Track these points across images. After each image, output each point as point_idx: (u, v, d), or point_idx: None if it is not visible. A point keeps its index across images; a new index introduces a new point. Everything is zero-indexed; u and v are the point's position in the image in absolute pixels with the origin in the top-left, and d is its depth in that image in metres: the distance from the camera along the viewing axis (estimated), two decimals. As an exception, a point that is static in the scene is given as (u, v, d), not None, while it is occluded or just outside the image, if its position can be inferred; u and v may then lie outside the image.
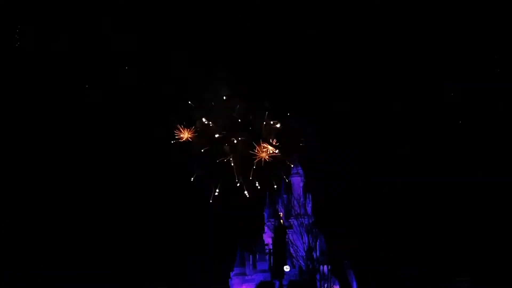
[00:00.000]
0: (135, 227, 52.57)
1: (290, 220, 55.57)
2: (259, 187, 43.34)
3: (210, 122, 39.05)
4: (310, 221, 51.46)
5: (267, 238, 55.86)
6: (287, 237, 45.78)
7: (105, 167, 49.16)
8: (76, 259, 49.96)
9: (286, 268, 44.41)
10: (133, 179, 47.50)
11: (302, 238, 50.16)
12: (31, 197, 48.69)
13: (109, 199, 49.25)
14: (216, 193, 45.01)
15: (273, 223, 54.81)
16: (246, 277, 58.12)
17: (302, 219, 52.26)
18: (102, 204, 49.53)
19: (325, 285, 48.58)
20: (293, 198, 56.10)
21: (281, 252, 38.48)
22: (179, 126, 32.51)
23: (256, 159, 43.42)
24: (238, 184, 41.64)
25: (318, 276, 48.68)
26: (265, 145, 43.42)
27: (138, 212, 50.75)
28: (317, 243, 50.52)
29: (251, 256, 58.97)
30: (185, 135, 41.54)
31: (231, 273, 60.16)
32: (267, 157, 42.95)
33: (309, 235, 49.99)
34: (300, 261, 50.31)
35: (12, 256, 45.35)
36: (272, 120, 42.88)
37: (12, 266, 44.98)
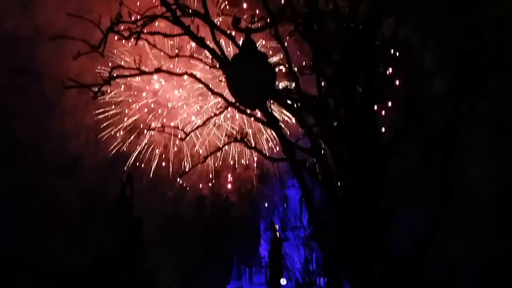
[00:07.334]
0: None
1: (286, 233, 55.78)
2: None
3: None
4: (306, 234, 51.66)
5: (264, 251, 56.06)
6: (283, 250, 46.01)
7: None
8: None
9: (283, 281, 44.69)
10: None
11: (298, 251, 50.32)
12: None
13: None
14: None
15: (269, 236, 55.03)
16: (243, 290, 58.30)
17: (298, 232, 52.42)
18: None
19: (322, 298, 48.74)
20: (289, 211, 56.34)
21: (278, 265, 38.81)
22: None
23: None
24: None
25: (314, 289, 48.84)
26: None
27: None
28: (313, 255, 50.71)
29: (247, 269, 59.17)
30: None
31: (227, 286, 60.29)
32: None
33: (305, 248, 50.15)
34: (297, 273, 50.45)
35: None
36: None
37: None
